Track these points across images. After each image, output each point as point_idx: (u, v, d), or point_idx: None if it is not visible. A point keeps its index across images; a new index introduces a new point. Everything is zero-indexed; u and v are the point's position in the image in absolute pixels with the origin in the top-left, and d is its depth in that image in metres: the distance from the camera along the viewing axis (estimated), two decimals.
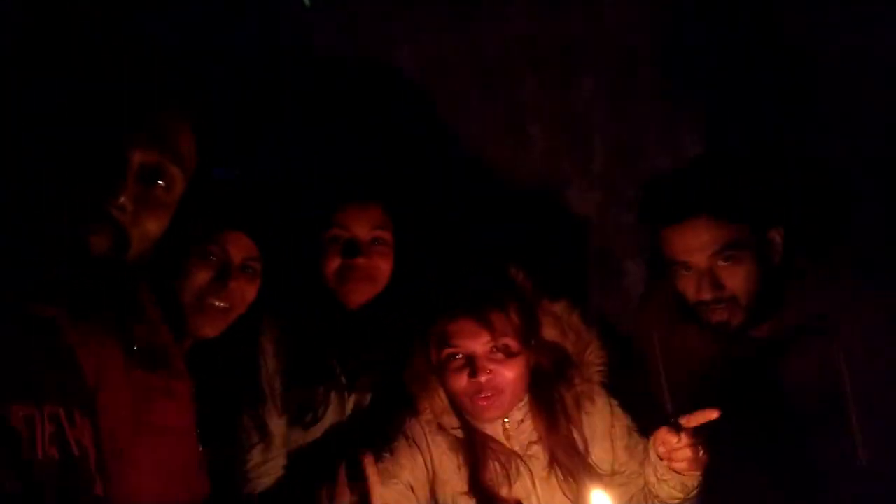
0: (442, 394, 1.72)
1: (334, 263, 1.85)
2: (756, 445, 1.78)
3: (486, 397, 1.65)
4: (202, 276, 1.65)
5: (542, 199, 2.50)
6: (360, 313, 1.88)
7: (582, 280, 2.46)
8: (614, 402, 1.79)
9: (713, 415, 1.52)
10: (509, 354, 1.65)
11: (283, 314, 1.90)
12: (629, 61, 2.57)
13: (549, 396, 1.72)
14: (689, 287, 1.72)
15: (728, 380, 1.81)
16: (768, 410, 1.78)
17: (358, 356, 1.92)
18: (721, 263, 1.68)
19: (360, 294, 1.87)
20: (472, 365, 1.64)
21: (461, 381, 1.65)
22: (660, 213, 1.72)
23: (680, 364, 1.86)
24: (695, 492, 1.67)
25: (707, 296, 1.69)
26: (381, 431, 1.80)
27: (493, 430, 1.72)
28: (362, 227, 1.85)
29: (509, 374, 1.65)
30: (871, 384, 1.68)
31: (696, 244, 1.67)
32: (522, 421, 1.72)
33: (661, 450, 1.59)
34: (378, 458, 1.66)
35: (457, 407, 1.72)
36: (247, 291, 1.70)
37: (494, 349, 1.65)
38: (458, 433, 1.73)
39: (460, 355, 1.66)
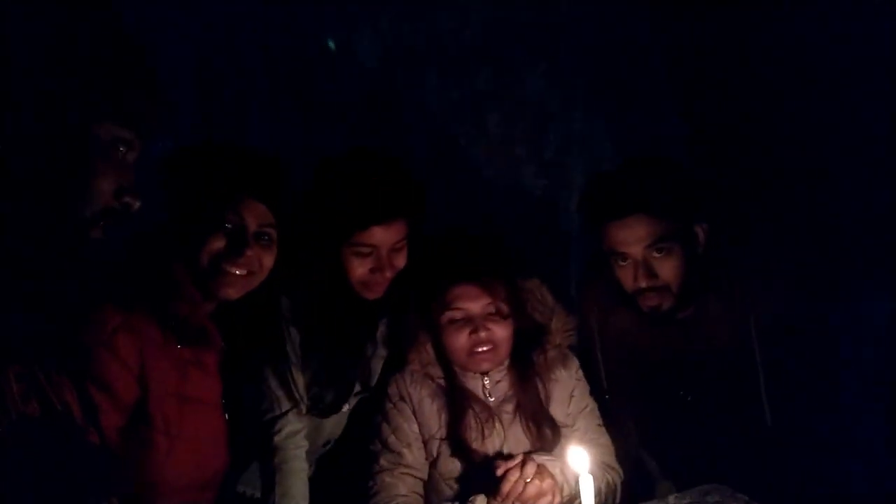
0: (429, 348, 1.95)
1: (360, 273, 1.89)
2: (679, 412, 2.04)
3: (483, 351, 1.89)
4: (217, 243, 1.68)
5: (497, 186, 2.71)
6: (376, 301, 1.97)
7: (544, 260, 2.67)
8: (578, 367, 2.02)
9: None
10: (503, 316, 1.90)
11: (301, 304, 1.96)
12: (581, 52, 2.76)
13: (525, 359, 1.96)
14: (627, 276, 1.94)
15: (657, 354, 2.06)
16: (689, 381, 2.04)
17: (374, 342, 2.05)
18: (655, 255, 1.90)
19: (380, 292, 1.94)
20: (472, 323, 1.88)
21: (462, 338, 1.89)
22: (602, 210, 1.93)
23: (615, 342, 2.13)
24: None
25: (643, 283, 1.91)
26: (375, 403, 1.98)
27: (474, 385, 1.95)
28: (387, 242, 1.88)
29: (502, 332, 1.90)
30: (779, 354, 1.95)
31: (633, 237, 1.89)
32: (500, 381, 1.96)
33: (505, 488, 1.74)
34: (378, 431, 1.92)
35: (442, 361, 1.95)
36: (264, 258, 1.73)
37: (491, 311, 1.89)
38: (441, 382, 1.95)
39: (461, 316, 1.89)
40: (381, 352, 2.07)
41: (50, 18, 1.27)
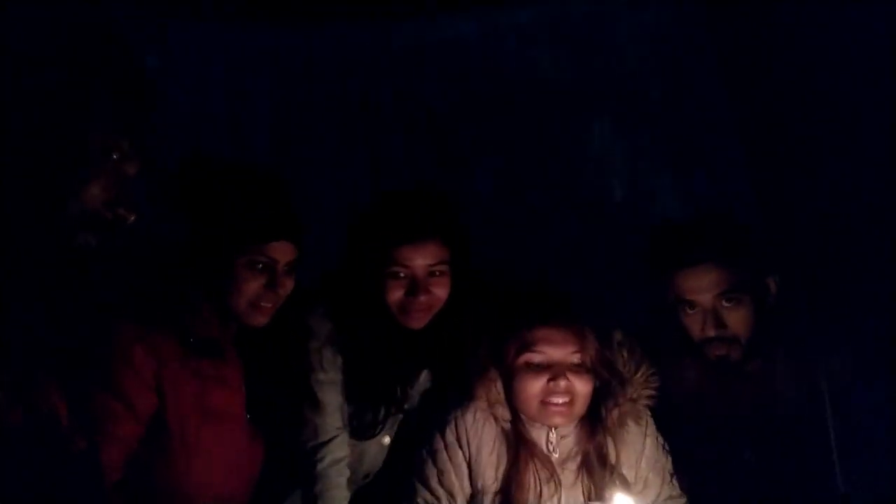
0: (499, 385, 1.79)
1: (396, 297, 1.90)
2: (742, 474, 1.98)
3: (559, 404, 1.73)
4: (254, 286, 1.75)
5: None
6: (421, 332, 1.96)
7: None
8: (652, 423, 1.87)
9: None
10: (586, 369, 1.75)
11: (346, 331, 1.96)
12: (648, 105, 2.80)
13: (596, 413, 1.80)
14: (696, 324, 1.92)
15: (721, 408, 2.01)
16: (754, 438, 1.98)
17: (417, 375, 2.02)
18: (724, 304, 1.88)
19: (421, 321, 1.94)
20: (551, 371, 1.73)
21: (537, 385, 1.73)
22: (672, 258, 1.92)
23: (677, 393, 2.04)
24: None
25: (711, 332, 1.90)
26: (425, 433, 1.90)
27: (538, 436, 1.81)
28: (421, 263, 1.89)
29: (583, 387, 1.74)
30: (849, 416, 1.90)
31: (703, 286, 1.88)
32: (566, 436, 1.82)
33: None
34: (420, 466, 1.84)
35: (511, 403, 1.80)
36: (289, 286, 1.80)
37: (575, 361, 1.74)
38: (507, 426, 1.81)
39: (540, 360, 1.74)
40: (424, 385, 2.04)
41: (45, 23, 1.32)
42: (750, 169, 2.50)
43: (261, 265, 1.75)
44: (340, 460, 1.94)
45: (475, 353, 1.84)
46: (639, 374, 1.81)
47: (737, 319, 1.90)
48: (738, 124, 2.66)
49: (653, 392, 1.83)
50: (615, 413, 1.80)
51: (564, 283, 2.63)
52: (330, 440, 1.93)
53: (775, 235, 2.09)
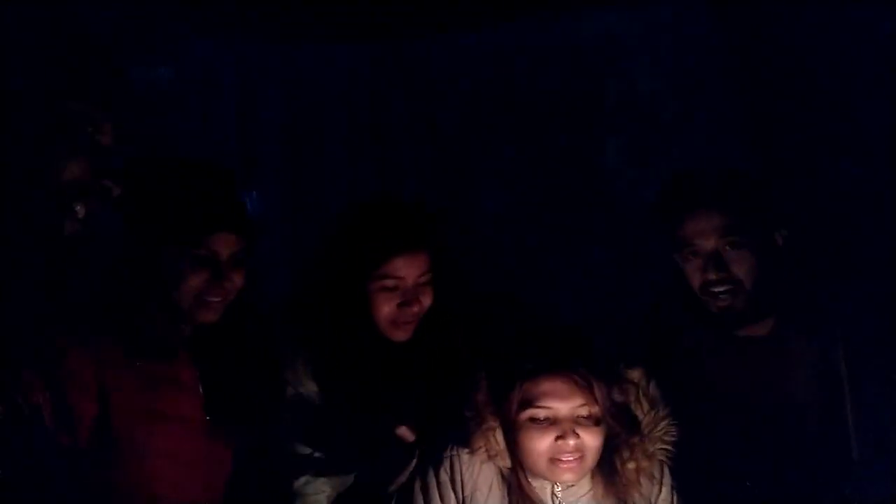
0: (499, 436, 1.65)
1: (387, 309, 1.86)
2: (754, 442, 1.83)
3: (568, 461, 1.58)
4: (197, 280, 1.67)
5: None
6: (405, 345, 1.91)
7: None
8: (668, 472, 1.69)
9: None
10: (596, 422, 1.58)
11: (324, 348, 1.90)
12: None
13: (611, 463, 1.64)
14: (696, 270, 1.81)
15: (731, 381, 1.89)
16: (767, 408, 1.84)
17: (403, 390, 1.92)
18: (727, 248, 1.79)
19: (409, 332, 1.90)
20: (559, 427, 1.57)
21: (544, 443, 1.58)
22: (676, 203, 1.85)
23: (684, 366, 1.94)
24: None
25: (712, 275, 1.78)
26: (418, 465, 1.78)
27: (541, 489, 1.66)
28: (412, 274, 1.86)
29: (593, 441, 1.58)
30: (865, 387, 1.76)
31: (705, 228, 1.79)
32: (572, 485, 1.66)
33: None
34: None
35: (512, 453, 1.65)
36: (237, 280, 1.72)
37: (582, 414, 1.57)
38: (506, 471, 1.67)
39: (545, 415, 1.58)
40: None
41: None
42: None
43: (202, 258, 1.67)
44: (317, 480, 1.87)
45: (472, 399, 1.68)
46: (659, 428, 1.65)
47: (739, 264, 1.79)
48: (750, 145, 2.64)
49: (669, 445, 1.65)
50: (631, 466, 1.63)
51: (574, 306, 2.56)
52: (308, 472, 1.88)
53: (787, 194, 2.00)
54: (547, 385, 1.57)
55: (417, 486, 1.71)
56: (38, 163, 1.30)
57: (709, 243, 1.80)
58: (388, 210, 1.94)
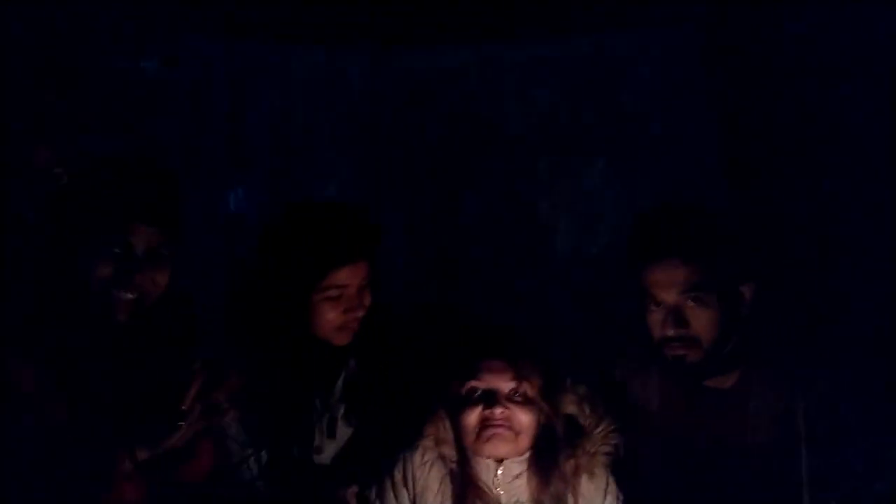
0: (447, 424, 1.79)
1: (333, 317, 1.89)
2: (705, 490, 1.83)
3: (495, 426, 1.71)
4: (105, 270, 1.61)
5: None
6: (344, 348, 1.94)
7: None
8: (613, 482, 1.79)
9: None
10: (526, 400, 1.72)
11: (263, 354, 1.91)
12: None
13: (551, 459, 1.75)
14: (656, 322, 1.79)
15: (687, 429, 1.88)
16: (722, 458, 1.83)
17: (345, 392, 1.99)
18: (689, 304, 1.75)
19: (350, 336, 1.93)
20: (489, 399, 1.72)
21: (474, 414, 1.72)
22: (641, 251, 1.82)
23: (642, 411, 1.95)
24: None
25: (671, 331, 1.76)
26: (370, 467, 1.86)
27: (486, 475, 1.76)
28: (355, 283, 1.89)
29: (523, 416, 1.72)
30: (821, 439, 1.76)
31: (668, 281, 1.76)
32: (517, 477, 1.76)
33: None
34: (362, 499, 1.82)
35: (459, 444, 1.77)
36: (158, 278, 1.66)
37: (515, 391, 1.72)
38: (454, 466, 1.78)
39: (482, 387, 1.73)
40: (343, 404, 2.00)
41: None
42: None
43: (114, 250, 1.62)
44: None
45: (421, 389, 1.84)
46: (599, 429, 1.77)
47: (700, 321, 1.76)
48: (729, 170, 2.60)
49: (611, 449, 1.77)
50: (571, 463, 1.75)
51: (543, 317, 2.55)
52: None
53: (759, 245, 1.96)
54: (485, 362, 1.74)
55: (374, 491, 1.84)
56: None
57: (670, 297, 1.77)
58: (329, 219, 1.91)
